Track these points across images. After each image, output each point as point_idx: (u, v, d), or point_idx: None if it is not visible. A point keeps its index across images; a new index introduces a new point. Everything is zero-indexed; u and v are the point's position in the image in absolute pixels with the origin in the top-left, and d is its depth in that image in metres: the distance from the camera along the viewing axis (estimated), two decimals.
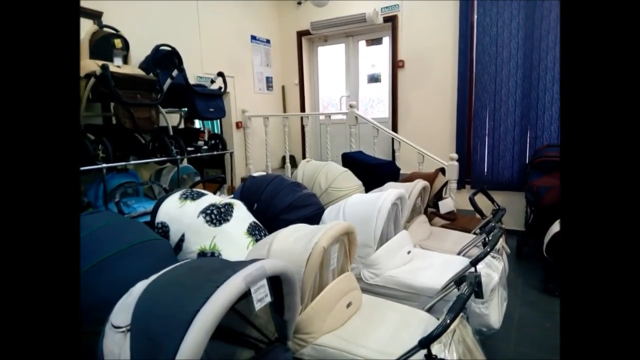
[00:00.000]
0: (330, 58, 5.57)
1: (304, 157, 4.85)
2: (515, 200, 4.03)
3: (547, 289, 3.10)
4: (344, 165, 3.29)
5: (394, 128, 4.83)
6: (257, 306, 1.04)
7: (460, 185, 4.31)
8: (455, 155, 3.84)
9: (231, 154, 4.15)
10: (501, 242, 2.26)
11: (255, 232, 1.89)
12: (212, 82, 3.98)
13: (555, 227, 2.98)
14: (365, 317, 1.59)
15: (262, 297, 1.06)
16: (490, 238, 1.82)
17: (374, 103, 5.34)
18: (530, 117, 4.10)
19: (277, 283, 1.19)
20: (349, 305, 1.60)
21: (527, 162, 4.05)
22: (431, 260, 2.12)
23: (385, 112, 5.17)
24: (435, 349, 1.18)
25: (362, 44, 5.28)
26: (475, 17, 4.25)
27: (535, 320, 2.75)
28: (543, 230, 3.07)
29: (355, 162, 3.39)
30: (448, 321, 1.16)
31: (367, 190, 2.89)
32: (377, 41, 5.16)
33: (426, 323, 1.53)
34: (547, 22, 3.87)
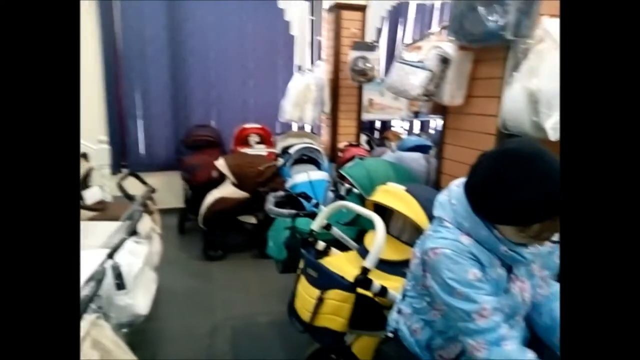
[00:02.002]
0: None
1: None
2: (174, 179, 4.15)
3: (209, 257, 3.40)
4: None
5: None
6: None
7: (116, 169, 3.99)
8: (105, 138, 3.48)
9: None
10: (149, 223, 2.22)
11: None
12: None
13: (209, 199, 3.27)
14: None
15: None
16: (129, 223, 1.72)
17: None
18: (179, 99, 4.27)
19: None
20: None
21: (180, 141, 4.22)
22: None
23: None
24: None
25: None
26: None
27: (199, 288, 2.96)
28: (199, 205, 3.31)
29: None
30: None
31: None
32: None
33: None
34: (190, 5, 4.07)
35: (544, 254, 1.06)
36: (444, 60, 2.10)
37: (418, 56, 2.16)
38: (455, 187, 1.04)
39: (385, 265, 1.64)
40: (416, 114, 4.64)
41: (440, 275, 0.95)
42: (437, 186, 2.39)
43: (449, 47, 2.07)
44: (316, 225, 1.83)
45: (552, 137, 1.53)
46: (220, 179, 3.36)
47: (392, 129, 5.00)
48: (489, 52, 1.99)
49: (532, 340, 1.14)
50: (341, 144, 4.21)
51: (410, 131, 5.09)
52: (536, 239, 0.93)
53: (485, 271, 0.96)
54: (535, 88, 1.60)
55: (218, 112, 4.49)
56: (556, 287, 1.13)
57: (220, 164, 3.29)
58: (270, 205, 2.13)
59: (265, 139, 4.13)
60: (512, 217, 0.90)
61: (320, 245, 1.87)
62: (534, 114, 1.62)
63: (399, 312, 1.20)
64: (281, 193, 2.41)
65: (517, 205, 0.88)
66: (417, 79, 2.13)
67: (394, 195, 1.77)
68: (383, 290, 1.47)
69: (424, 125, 5.15)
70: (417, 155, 2.74)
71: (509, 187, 0.88)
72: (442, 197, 1.07)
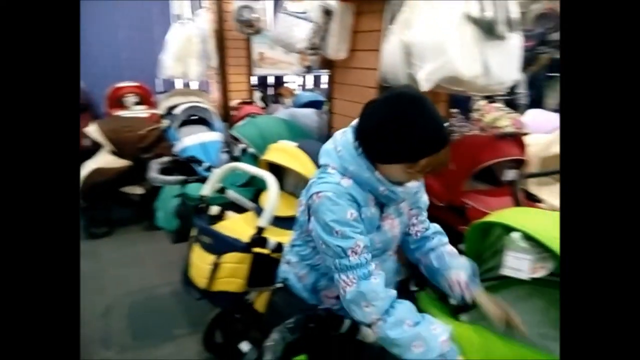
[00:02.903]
0: None
1: None
2: None
3: (92, 234, 3.08)
4: None
5: None
6: None
7: None
8: None
9: None
10: None
11: None
12: None
13: (83, 171, 2.90)
14: None
15: None
16: None
17: None
18: None
19: None
20: None
21: None
22: None
23: None
24: None
25: None
26: None
27: (85, 269, 2.66)
28: None
29: None
30: None
31: None
32: None
33: None
34: None
35: (412, 193, 1.17)
36: (327, 12, 2.08)
37: (302, 6, 2.09)
38: (340, 135, 1.08)
39: (281, 222, 1.66)
40: (309, 69, 4.62)
41: (322, 216, 1.00)
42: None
43: None
44: (207, 190, 1.74)
45: (424, 87, 1.65)
46: (95, 147, 2.98)
47: (286, 84, 4.93)
48: (369, 4, 2.01)
49: (414, 273, 1.28)
50: (233, 102, 4.02)
51: (303, 87, 5.09)
52: (421, 172, 1.03)
53: (362, 211, 1.04)
54: (408, 40, 1.68)
55: (83, 69, 3.88)
56: (435, 227, 1.28)
57: (92, 130, 2.90)
58: (153, 173, 1.96)
59: (145, 99, 3.74)
60: (406, 154, 0.98)
61: (214, 210, 1.80)
62: (408, 66, 1.71)
63: (288, 262, 1.25)
64: (167, 158, 2.23)
65: (410, 143, 0.96)
66: (301, 31, 2.07)
67: (286, 152, 1.77)
68: (279, 247, 1.49)
69: (317, 81, 5.18)
70: (309, 111, 2.75)
71: (402, 127, 0.95)
72: (327, 146, 1.11)
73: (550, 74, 4.65)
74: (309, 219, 1.08)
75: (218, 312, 1.85)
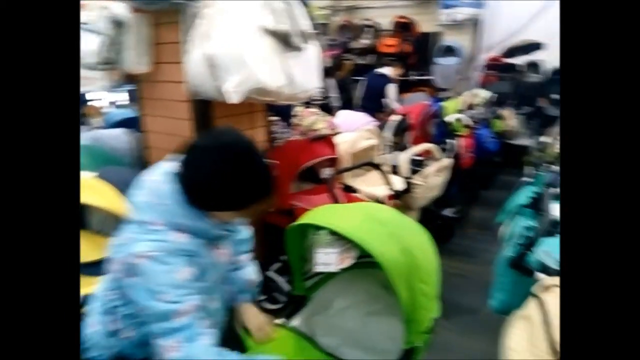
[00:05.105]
0: None
1: None
2: None
3: None
4: None
5: None
6: None
7: None
8: None
9: None
10: None
11: None
12: None
13: None
14: None
15: None
16: None
17: None
18: None
19: None
20: None
21: None
22: None
23: None
24: None
25: None
26: None
27: None
28: None
29: None
30: None
31: None
32: None
33: None
34: None
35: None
36: (119, 24, 1.88)
37: (83, 16, 1.84)
38: (157, 185, 0.98)
39: (89, 268, 1.42)
40: (121, 83, 4.15)
41: (145, 280, 0.90)
42: (144, 162, 2.23)
43: (120, 9, 1.86)
44: None
45: (232, 100, 1.64)
46: None
47: (92, 102, 4.31)
48: (165, 15, 1.90)
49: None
50: None
51: (115, 103, 4.55)
52: (252, 216, 1.07)
53: (199, 261, 0.99)
54: (210, 52, 1.66)
55: None
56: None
57: None
58: None
59: None
60: (239, 203, 1.00)
61: None
62: (215, 78, 1.68)
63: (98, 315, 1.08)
64: None
65: (242, 193, 0.98)
66: (88, 44, 1.83)
67: (83, 186, 1.52)
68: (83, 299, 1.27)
69: (132, 95, 4.70)
70: (117, 131, 2.46)
71: (234, 179, 0.95)
72: (140, 199, 0.99)
73: (356, 78, 5.33)
74: (124, 278, 0.95)
75: None
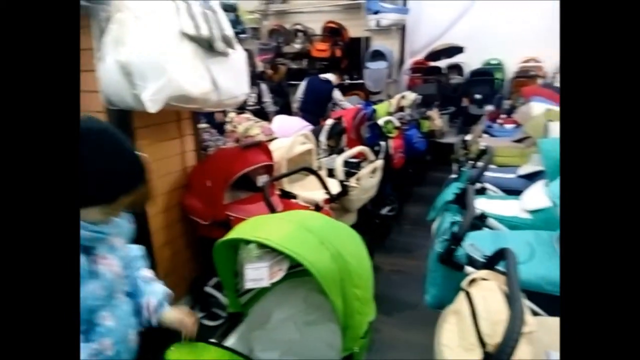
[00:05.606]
0: None
1: None
2: None
3: None
4: None
5: None
6: None
7: None
8: None
9: None
10: None
11: None
12: None
13: None
14: None
15: None
16: None
17: None
18: None
19: None
20: None
21: None
22: None
23: None
24: None
25: None
26: None
27: None
28: None
29: None
30: None
31: None
32: None
33: None
34: None
35: (120, 223, 1.05)
36: None
37: None
38: None
39: None
40: None
41: None
42: None
43: None
44: None
45: (150, 109, 1.54)
46: None
47: None
48: None
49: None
50: None
51: None
52: (121, 210, 0.95)
53: None
54: (124, 60, 1.54)
55: None
56: (134, 250, 1.18)
57: None
58: None
59: None
60: (103, 196, 0.88)
61: None
62: (132, 87, 1.57)
63: None
64: None
65: (101, 181, 0.86)
66: None
67: None
68: None
69: None
70: None
71: (93, 168, 0.84)
72: None
73: (291, 82, 5.31)
74: None
75: None
